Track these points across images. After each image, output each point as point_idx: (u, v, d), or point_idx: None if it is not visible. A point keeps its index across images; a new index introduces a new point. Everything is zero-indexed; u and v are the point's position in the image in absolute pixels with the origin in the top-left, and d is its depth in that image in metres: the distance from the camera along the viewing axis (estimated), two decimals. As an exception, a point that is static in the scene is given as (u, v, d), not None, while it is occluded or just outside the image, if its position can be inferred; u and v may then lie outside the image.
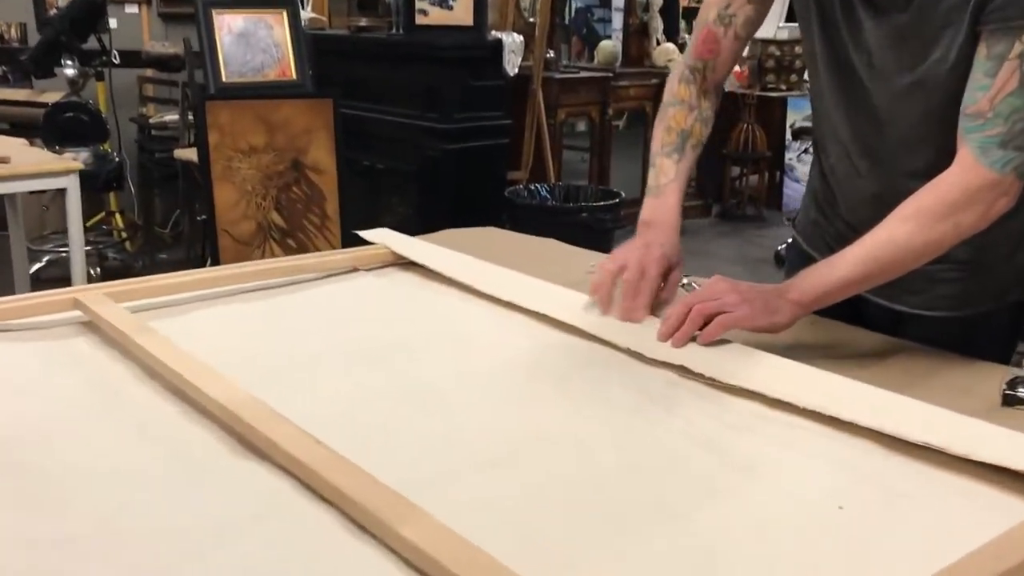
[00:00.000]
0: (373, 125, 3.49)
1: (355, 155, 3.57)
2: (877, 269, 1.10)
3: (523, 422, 0.96)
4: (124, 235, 4.13)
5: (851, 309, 1.23)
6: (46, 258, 3.91)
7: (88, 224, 4.31)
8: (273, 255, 2.99)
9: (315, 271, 1.43)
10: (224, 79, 3.03)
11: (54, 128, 3.78)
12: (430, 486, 0.80)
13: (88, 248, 3.99)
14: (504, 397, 1.02)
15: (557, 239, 3.21)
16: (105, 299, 1.20)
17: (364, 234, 1.57)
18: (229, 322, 1.23)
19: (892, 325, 1.26)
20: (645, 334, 1.13)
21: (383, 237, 1.55)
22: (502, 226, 3.26)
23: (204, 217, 2.92)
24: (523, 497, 0.81)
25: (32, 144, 3.39)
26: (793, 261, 1.48)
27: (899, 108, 1.16)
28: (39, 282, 3.76)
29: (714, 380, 1.03)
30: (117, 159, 3.90)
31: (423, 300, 1.34)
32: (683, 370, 1.06)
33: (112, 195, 4.19)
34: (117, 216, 4.19)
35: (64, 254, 3.98)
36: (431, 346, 1.15)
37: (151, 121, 4.04)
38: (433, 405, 0.99)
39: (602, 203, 3.20)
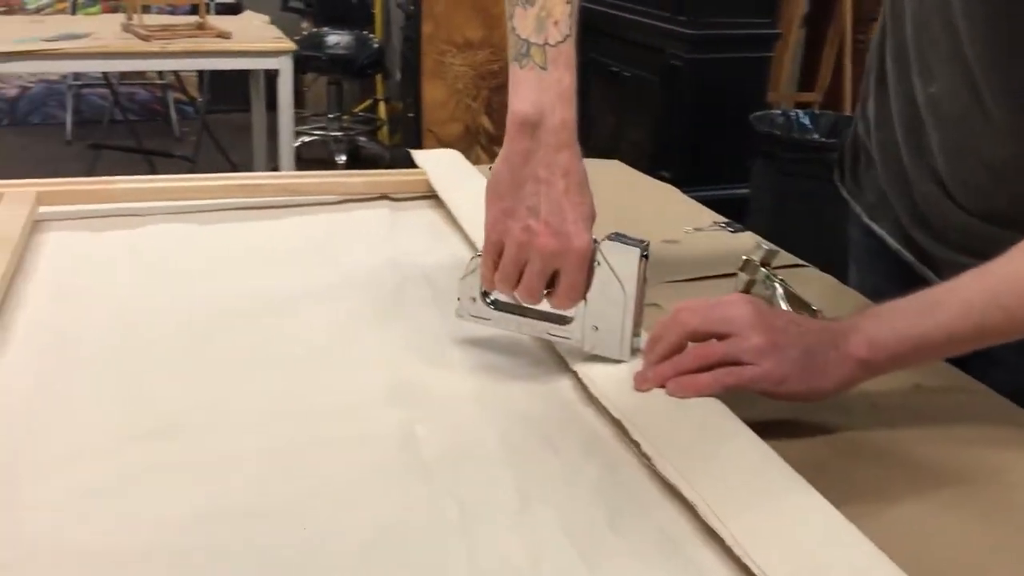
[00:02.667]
0: (620, 25, 3.08)
1: (601, 58, 3.19)
2: (1001, 323, 0.62)
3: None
4: (380, 124, 4.11)
5: None
6: (301, 138, 3.98)
7: (357, 109, 4.36)
8: (478, 163, 2.74)
9: (336, 193, 1.16)
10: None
11: (324, 8, 3.78)
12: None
13: (340, 134, 4.04)
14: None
15: (807, 177, 2.67)
16: (24, 198, 1.01)
17: (416, 155, 1.27)
18: (150, 245, 0.99)
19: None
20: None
21: (433, 161, 1.24)
22: (748, 158, 2.77)
23: (412, 115, 2.74)
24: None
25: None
26: (859, 243, 0.99)
27: None
28: (299, 161, 3.84)
29: (648, 459, 0.63)
30: (377, 45, 3.83)
31: (409, 250, 1.01)
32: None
33: (379, 82, 4.17)
34: (381, 104, 4.17)
35: (317, 136, 4.05)
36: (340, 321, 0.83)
37: (412, 8, 3.91)
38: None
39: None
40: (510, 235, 0.67)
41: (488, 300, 0.75)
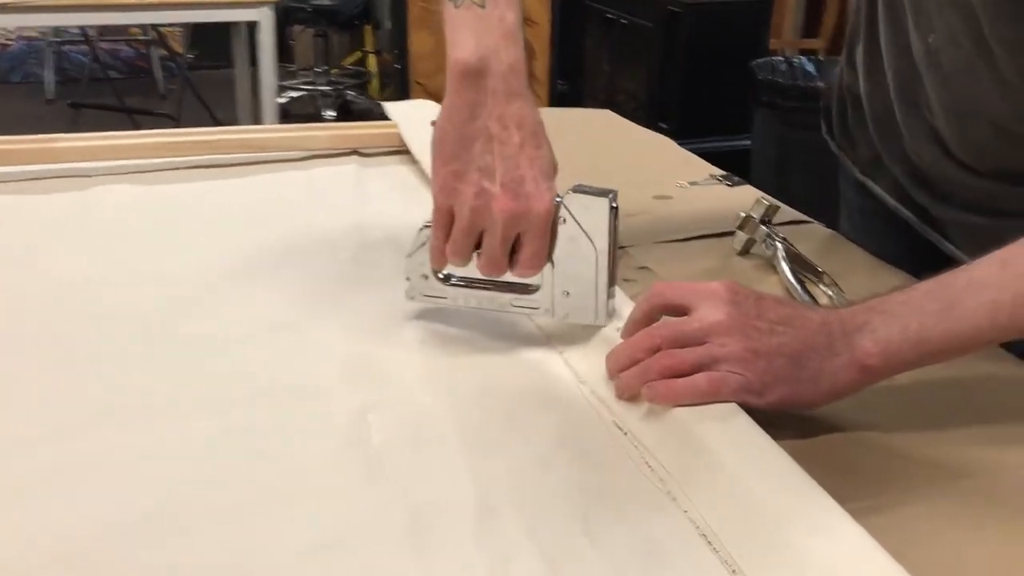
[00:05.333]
0: (617, -30, 2.95)
1: (596, 4, 3.07)
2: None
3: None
4: (370, 78, 3.99)
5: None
6: (288, 94, 3.87)
7: (346, 63, 4.23)
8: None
9: (301, 149, 1.07)
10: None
11: (306, -41, 3.64)
12: None
13: (327, 88, 3.92)
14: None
15: (811, 128, 2.56)
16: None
17: (388, 107, 1.17)
18: (97, 209, 0.90)
19: None
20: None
21: (406, 112, 1.14)
22: (750, 108, 2.66)
23: (399, 66, 2.63)
24: None
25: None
26: (853, 202, 0.92)
27: None
28: (286, 118, 3.73)
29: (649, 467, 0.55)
30: (365, -5, 3.70)
31: (376, 211, 0.92)
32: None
33: (369, 34, 4.04)
34: (371, 57, 4.04)
35: (305, 92, 3.93)
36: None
37: (401, -44, 3.78)
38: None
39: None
40: (461, 201, 0.59)
41: (440, 276, 0.66)
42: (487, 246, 0.61)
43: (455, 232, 0.61)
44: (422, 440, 0.56)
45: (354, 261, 0.81)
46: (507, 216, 0.59)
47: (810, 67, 2.67)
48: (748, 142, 2.65)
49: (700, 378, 0.56)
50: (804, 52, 3.48)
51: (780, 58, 2.72)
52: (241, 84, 3.12)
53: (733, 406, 0.56)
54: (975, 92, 0.67)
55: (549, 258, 0.63)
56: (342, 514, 0.50)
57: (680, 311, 0.59)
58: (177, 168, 1.00)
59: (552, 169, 0.61)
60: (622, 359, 0.60)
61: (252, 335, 0.68)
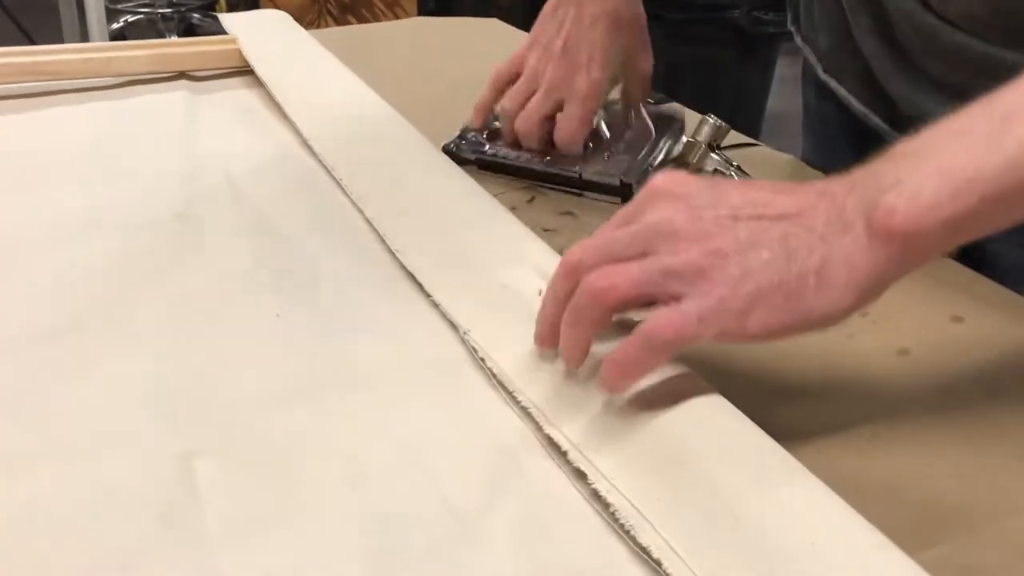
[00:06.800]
0: None
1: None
2: None
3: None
4: (217, -3, 3.61)
5: None
6: (124, 18, 3.47)
7: (189, -18, 3.84)
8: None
9: (111, 74, 0.83)
10: None
11: None
12: None
13: (169, 11, 3.54)
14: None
15: (697, 45, 2.40)
16: None
17: (225, 19, 0.94)
18: None
19: None
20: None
21: (248, 26, 0.91)
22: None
23: (246, -20, 2.33)
24: None
25: None
26: (813, 107, 0.79)
27: None
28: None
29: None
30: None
31: (215, 150, 0.70)
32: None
33: (212, -51, 3.65)
34: (216, -26, 3.66)
35: (143, 15, 3.54)
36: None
37: None
38: None
39: (764, -3, 2.29)
40: (528, 62, 0.68)
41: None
42: (529, 102, 0.67)
43: (515, 88, 0.68)
44: (287, 511, 0.37)
45: (180, 220, 0.60)
46: (555, 78, 0.66)
47: (694, -24, 2.51)
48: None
49: (649, 333, 0.37)
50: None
51: (663, -34, 2.55)
52: (65, 8, 2.74)
53: (717, 398, 0.39)
54: None
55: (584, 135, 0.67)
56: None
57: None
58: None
59: (609, 61, 0.67)
60: (543, 324, 0.43)
61: (30, 342, 0.47)
